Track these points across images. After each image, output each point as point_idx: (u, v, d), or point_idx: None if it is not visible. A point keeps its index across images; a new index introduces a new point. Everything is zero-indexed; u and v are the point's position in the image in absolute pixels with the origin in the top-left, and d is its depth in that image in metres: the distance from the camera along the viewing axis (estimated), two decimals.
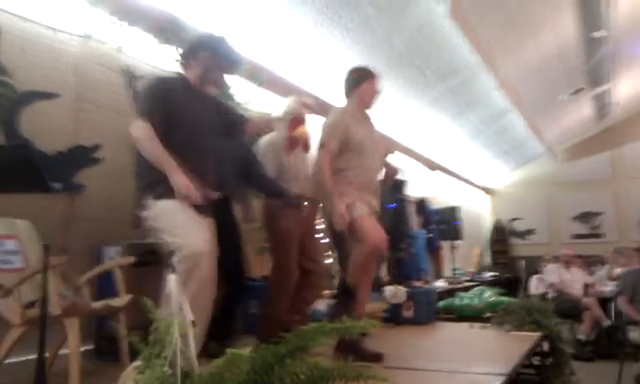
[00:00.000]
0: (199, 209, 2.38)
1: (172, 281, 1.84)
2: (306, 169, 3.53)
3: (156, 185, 2.35)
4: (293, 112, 3.52)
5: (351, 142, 3.11)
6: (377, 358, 2.90)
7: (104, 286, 3.02)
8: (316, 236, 3.61)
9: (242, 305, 3.57)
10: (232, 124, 2.80)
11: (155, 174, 2.35)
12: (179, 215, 2.29)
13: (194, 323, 1.85)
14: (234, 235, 3.43)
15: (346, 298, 3.07)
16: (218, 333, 3.08)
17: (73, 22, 3.48)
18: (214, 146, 2.59)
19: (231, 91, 4.35)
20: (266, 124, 3.41)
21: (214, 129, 2.61)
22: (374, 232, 3.00)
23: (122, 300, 2.73)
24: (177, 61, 2.74)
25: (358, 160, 3.13)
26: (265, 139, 3.63)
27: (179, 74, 2.63)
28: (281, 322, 3.20)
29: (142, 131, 2.34)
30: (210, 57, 2.55)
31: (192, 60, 2.58)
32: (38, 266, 2.24)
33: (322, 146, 3.11)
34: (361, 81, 3.26)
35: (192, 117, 2.48)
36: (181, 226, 2.27)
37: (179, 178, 2.30)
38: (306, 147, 3.60)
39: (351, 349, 2.83)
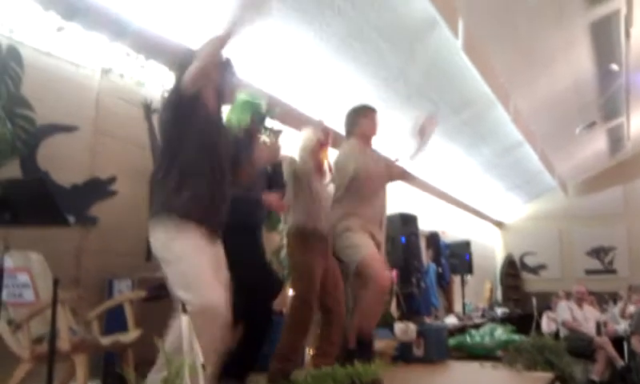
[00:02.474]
0: (211, 234, 2.33)
1: (184, 322, 1.83)
2: (327, 198, 3.48)
3: (167, 208, 2.24)
4: (315, 138, 3.50)
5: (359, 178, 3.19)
6: None
7: (113, 318, 3.01)
8: (335, 272, 3.52)
9: (264, 343, 3.35)
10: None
11: (166, 197, 2.27)
12: (194, 266, 2.18)
13: (204, 366, 1.83)
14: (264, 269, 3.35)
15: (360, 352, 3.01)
16: (238, 371, 3.04)
17: (94, 56, 3.54)
18: (225, 170, 2.48)
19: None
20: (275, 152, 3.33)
21: (229, 151, 2.52)
22: (381, 273, 2.99)
23: (130, 335, 2.71)
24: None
25: (365, 195, 3.17)
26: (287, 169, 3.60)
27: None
28: (295, 360, 3.15)
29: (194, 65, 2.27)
30: (219, 69, 2.51)
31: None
32: (48, 300, 2.23)
33: None
34: (358, 118, 3.47)
35: (215, 135, 2.41)
36: (195, 279, 2.16)
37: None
38: (323, 174, 3.55)
39: None
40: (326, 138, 3.52)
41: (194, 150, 2.31)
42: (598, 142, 10.63)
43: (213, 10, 3.93)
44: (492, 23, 5.68)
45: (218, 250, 2.42)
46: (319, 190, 3.42)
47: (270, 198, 3.17)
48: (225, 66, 2.56)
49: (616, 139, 10.65)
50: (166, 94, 2.46)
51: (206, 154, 2.33)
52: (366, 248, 3.09)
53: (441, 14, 4.89)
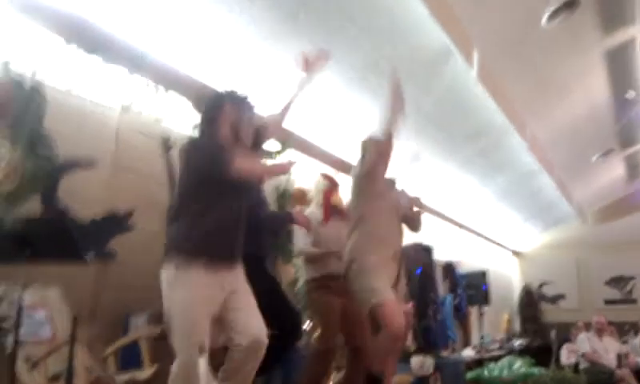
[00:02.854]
0: (219, 264, 2.36)
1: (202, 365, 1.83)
2: (343, 241, 3.43)
3: (179, 249, 2.32)
4: (324, 184, 3.58)
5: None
6: None
7: (129, 353, 3.00)
8: (355, 309, 3.50)
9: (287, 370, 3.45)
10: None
11: (181, 237, 2.33)
12: (185, 311, 2.27)
13: None
14: (275, 295, 3.29)
15: None
16: None
17: (114, 91, 3.61)
18: (243, 207, 2.54)
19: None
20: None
21: (243, 190, 2.55)
22: (396, 319, 2.90)
23: (146, 373, 2.70)
24: (203, 126, 2.66)
25: (384, 221, 3.14)
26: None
27: (212, 136, 2.54)
28: None
29: (247, 164, 2.34)
30: (234, 108, 2.52)
31: (221, 117, 2.51)
32: (66, 337, 2.23)
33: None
34: (364, 151, 3.34)
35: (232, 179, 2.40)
36: (182, 327, 2.25)
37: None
38: (342, 215, 3.59)
39: None
40: (333, 181, 3.60)
41: (209, 190, 2.36)
42: (616, 170, 10.51)
43: (229, 47, 4.00)
44: (506, 52, 5.68)
45: (228, 280, 2.39)
46: (330, 236, 3.53)
47: (298, 215, 3.28)
48: (243, 105, 2.57)
49: (633, 166, 10.53)
50: (194, 134, 2.48)
51: (219, 190, 2.37)
52: (381, 293, 2.90)
53: (455, 44, 4.91)
